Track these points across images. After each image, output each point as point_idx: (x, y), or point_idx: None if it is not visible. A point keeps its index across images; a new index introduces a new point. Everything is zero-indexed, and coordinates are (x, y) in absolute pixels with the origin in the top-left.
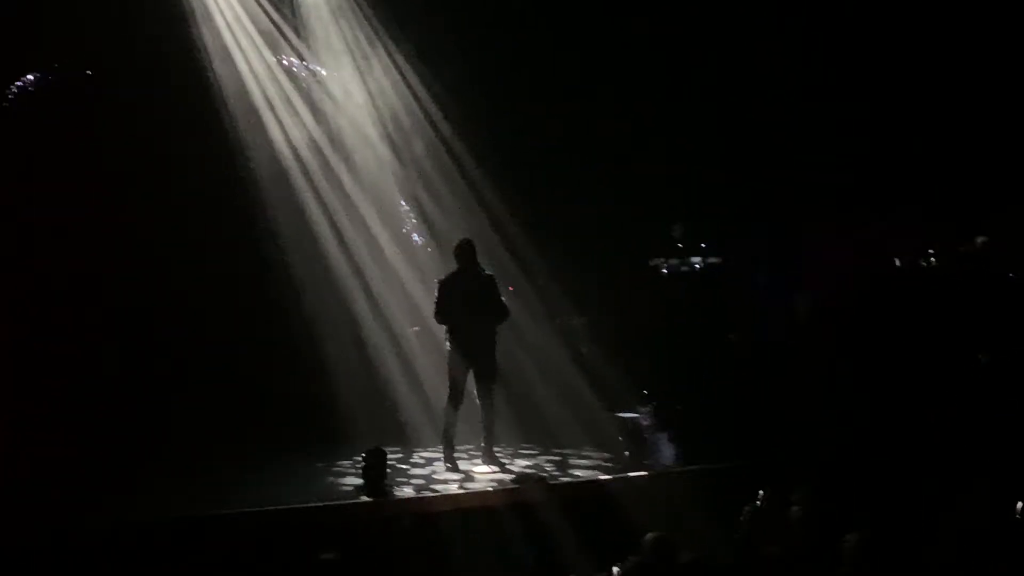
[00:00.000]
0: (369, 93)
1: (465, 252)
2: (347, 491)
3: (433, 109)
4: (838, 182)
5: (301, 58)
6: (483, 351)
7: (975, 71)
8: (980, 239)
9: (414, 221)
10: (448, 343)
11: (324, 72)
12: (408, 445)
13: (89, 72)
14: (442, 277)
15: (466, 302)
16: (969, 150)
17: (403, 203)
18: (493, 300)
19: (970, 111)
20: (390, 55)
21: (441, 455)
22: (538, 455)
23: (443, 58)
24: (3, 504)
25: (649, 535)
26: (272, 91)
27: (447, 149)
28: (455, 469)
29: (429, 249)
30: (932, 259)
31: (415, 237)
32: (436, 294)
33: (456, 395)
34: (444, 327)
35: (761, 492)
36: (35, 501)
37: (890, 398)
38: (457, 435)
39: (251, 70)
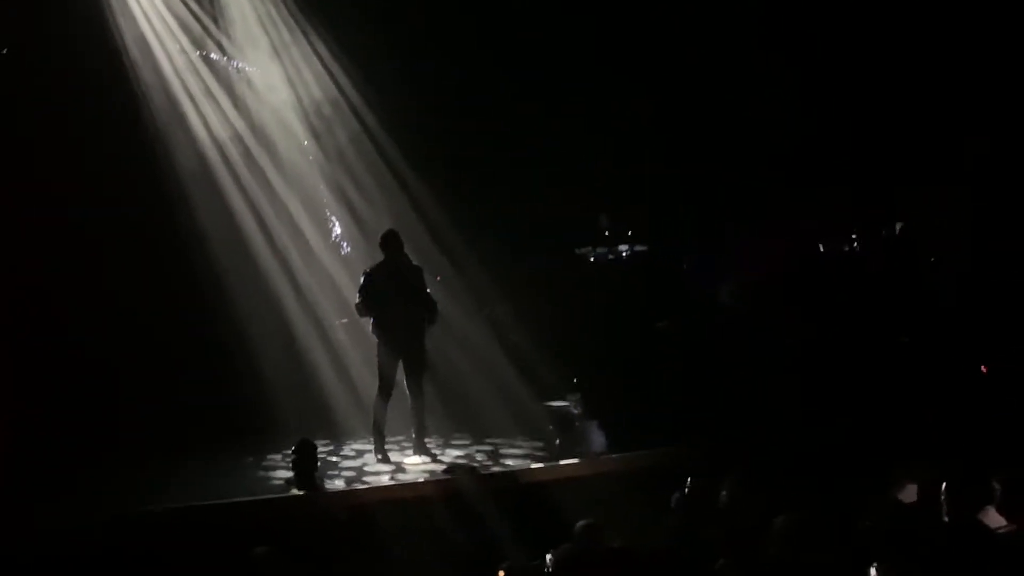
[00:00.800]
0: (292, 85)
1: (391, 242)
2: (278, 484)
3: (358, 100)
4: (764, 169)
5: (221, 49)
6: (412, 343)
7: (893, 52)
8: (899, 224)
9: (340, 215)
10: (376, 335)
11: (244, 64)
12: (338, 437)
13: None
14: (368, 267)
15: (393, 292)
16: (893, 134)
17: (328, 196)
18: (420, 291)
19: (892, 96)
20: (312, 44)
21: (372, 447)
22: (469, 445)
23: (365, 48)
24: None
25: (580, 522)
26: (193, 84)
27: (372, 141)
28: (386, 460)
29: (355, 242)
30: (855, 244)
31: (340, 231)
32: (361, 283)
33: (386, 387)
34: (370, 319)
35: (690, 479)
36: None
37: (813, 382)
38: (388, 426)
39: (170, 62)
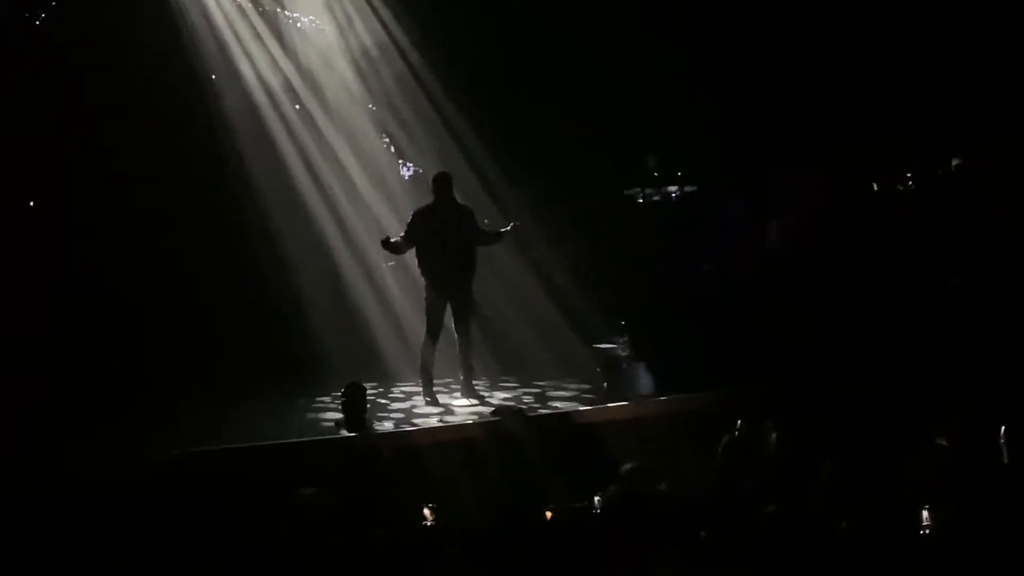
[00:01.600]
0: (338, 26)
1: (441, 185)
2: (327, 427)
3: (404, 41)
4: (815, 109)
5: None
6: (460, 286)
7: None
8: (955, 161)
9: (387, 156)
10: (424, 277)
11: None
12: (387, 379)
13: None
14: (418, 207)
15: (442, 235)
16: (948, 75)
17: (375, 138)
18: (474, 231)
19: (948, 37)
20: None
21: (420, 389)
22: (517, 388)
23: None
24: None
25: (627, 465)
26: (242, 30)
27: (418, 82)
28: (435, 403)
29: (401, 185)
30: (909, 183)
31: (388, 172)
32: (408, 222)
33: (434, 330)
34: (419, 266)
35: (739, 422)
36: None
37: (863, 324)
38: (435, 369)
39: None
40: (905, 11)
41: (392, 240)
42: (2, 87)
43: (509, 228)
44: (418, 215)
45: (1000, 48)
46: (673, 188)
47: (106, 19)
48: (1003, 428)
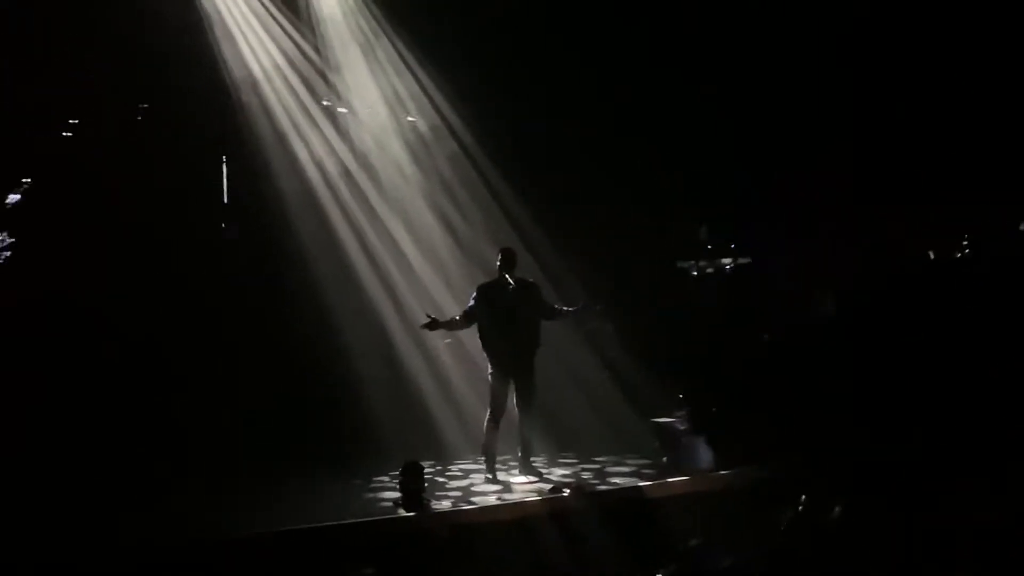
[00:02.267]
0: (388, 103)
1: (506, 260)
2: (385, 506)
3: (453, 117)
4: (863, 175)
5: (320, 73)
6: (523, 364)
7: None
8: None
9: (440, 231)
10: (487, 356)
11: (342, 83)
12: (445, 457)
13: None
14: (481, 283)
15: (506, 312)
16: (980, 139)
17: (428, 214)
18: (542, 307)
19: (994, 97)
20: (406, 63)
21: (477, 466)
22: (575, 464)
23: (461, 65)
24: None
25: (690, 541)
26: (300, 118)
27: (469, 157)
28: (495, 481)
29: (457, 260)
30: (967, 249)
31: (442, 249)
32: (473, 297)
33: (497, 411)
34: (482, 345)
35: (803, 497)
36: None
37: (924, 397)
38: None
39: (271, 85)
40: (965, 77)
41: (442, 321)
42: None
43: (579, 307)
44: (482, 291)
45: None
46: (727, 260)
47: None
48: None
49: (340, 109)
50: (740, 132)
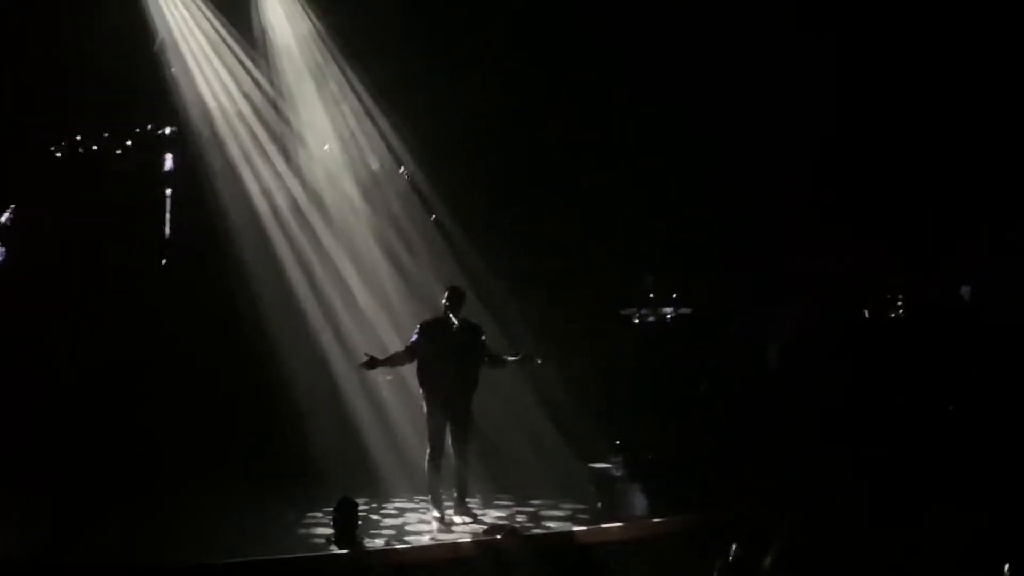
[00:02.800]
0: (342, 140)
1: (453, 299)
2: (318, 542)
3: (405, 156)
4: (809, 229)
5: (274, 106)
6: (461, 404)
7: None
8: (964, 288)
9: (387, 267)
10: (424, 393)
11: (295, 116)
12: (381, 494)
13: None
14: (426, 319)
15: (447, 351)
16: (935, 193)
17: (376, 248)
18: (483, 350)
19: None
20: (359, 96)
21: (413, 505)
22: (511, 506)
23: (414, 101)
24: None
25: None
26: (248, 144)
27: (419, 194)
28: (442, 521)
29: (401, 296)
30: (900, 310)
31: (388, 286)
32: (416, 332)
33: (436, 450)
34: (419, 382)
35: (734, 546)
36: None
37: (862, 448)
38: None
39: (223, 114)
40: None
41: (381, 358)
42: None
43: (519, 357)
44: (425, 328)
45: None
46: (668, 309)
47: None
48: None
49: (291, 141)
50: (692, 183)
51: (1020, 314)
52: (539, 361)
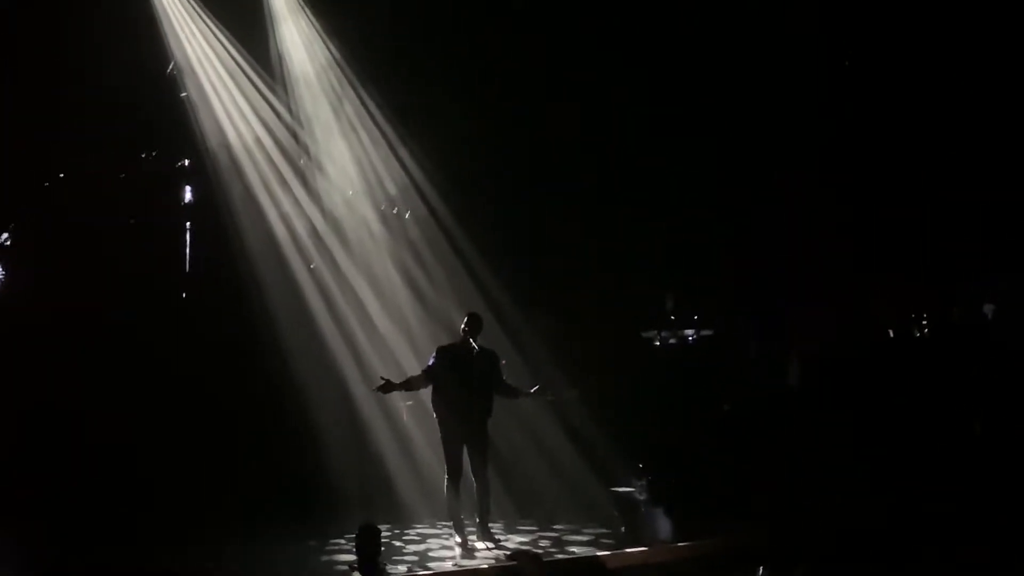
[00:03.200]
0: (362, 169)
1: (472, 325)
2: (340, 569)
3: (425, 184)
4: (827, 250)
5: (293, 134)
6: (476, 427)
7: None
8: (988, 306)
9: (406, 292)
10: (439, 415)
11: (313, 143)
12: (403, 520)
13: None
14: (443, 344)
15: (464, 375)
16: (953, 218)
17: (395, 274)
18: (498, 377)
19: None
20: (376, 123)
21: (435, 531)
22: (534, 531)
23: (433, 127)
24: None
25: None
26: (267, 171)
27: (438, 222)
28: (465, 547)
29: (421, 322)
30: (924, 328)
31: (408, 312)
32: (432, 358)
33: (454, 471)
34: (433, 406)
35: (760, 570)
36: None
37: (887, 468)
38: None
39: (242, 143)
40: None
41: (397, 382)
42: None
43: (533, 391)
44: (443, 353)
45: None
46: (690, 331)
47: None
48: None
49: (310, 168)
50: (710, 205)
51: None
52: (549, 397)
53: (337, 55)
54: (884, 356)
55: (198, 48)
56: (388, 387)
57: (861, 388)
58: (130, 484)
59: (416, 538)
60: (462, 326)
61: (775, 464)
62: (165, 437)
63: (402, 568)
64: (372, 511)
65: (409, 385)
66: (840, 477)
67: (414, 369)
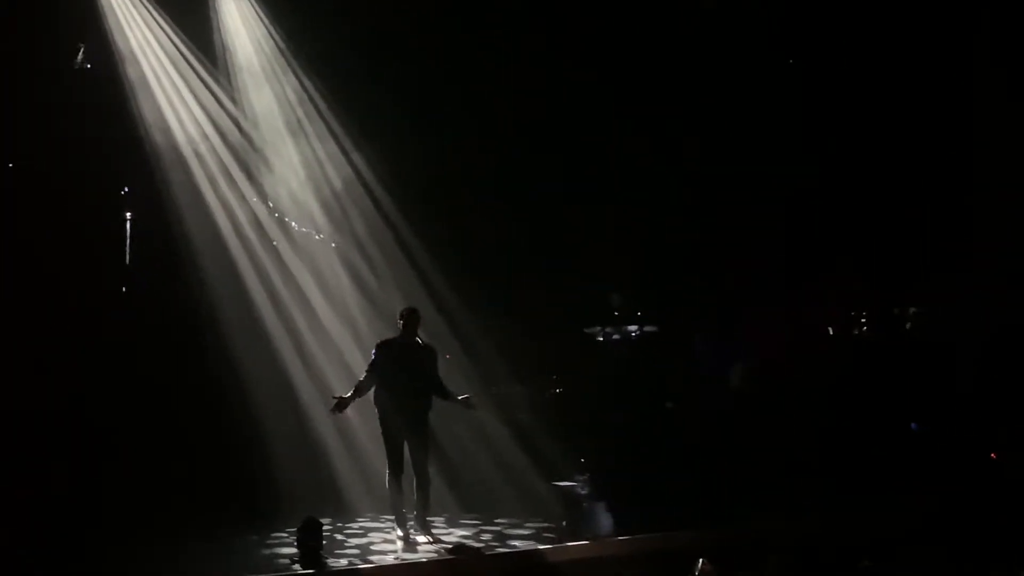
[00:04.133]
0: (307, 162)
1: (409, 320)
2: (282, 563)
3: (371, 177)
4: (774, 251)
5: (237, 125)
6: (416, 422)
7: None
8: (912, 309)
9: (351, 286)
10: (379, 409)
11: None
12: (345, 514)
13: None
14: (381, 340)
15: (403, 370)
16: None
17: (340, 268)
18: (430, 373)
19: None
20: (327, 123)
21: (377, 524)
22: (476, 525)
23: (380, 116)
24: None
25: None
26: (211, 163)
27: (383, 218)
28: (407, 540)
29: (367, 319)
30: (864, 327)
31: (351, 303)
32: (373, 354)
33: (396, 463)
34: (375, 400)
35: (701, 561)
36: None
37: (823, 465)
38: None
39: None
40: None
41: (348, 396)
42: None
43: (464, 399)
44: (384, 347)
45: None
46: (633, 328)
47: None
48: None
49: (254, 159)
50: (660, 200)
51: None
52: (474, 409)
53: (281, 44)
54: (826, 357)
55: (140, 36)
56: (342, 404)
57: (803, 390)
58: (69, 486)
59: (358, 532)
60: (400, 320)
61: (718, 463)
62: (106, 435)
63: (343, 562)
64: (314, 505)
65: (359, 392)
66: (782, 478)
67: (357, 361)
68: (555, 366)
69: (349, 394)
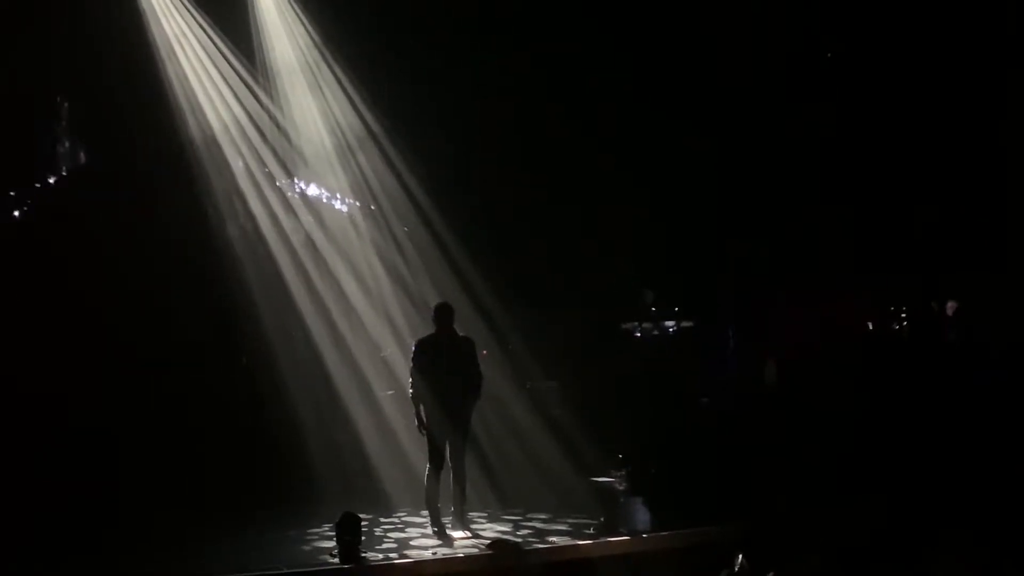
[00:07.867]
0: (344, 156)
1: (442, 315)
2: (321, 558)
3: (408, 176)
4: (809, 246)
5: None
6: (457, 415)
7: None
8: (951, 303)
9: (388, 283)
10: (422, 404)
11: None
12: (384, 508)
13: None
14: (420, 337)
15: (442, 364)
16: (934, 214)
17: (379, 268)
18: (470, 364)
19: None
20: (361, 117)
21: (416, 519)
22: (513, 520)
23: (418, 125)
24: None
25: None
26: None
27: (422, 215)
28: (442, 535)
29: (406, 315)
30: (904, 322)
31: (389, 299)
32: (413, 351)
33: (436, 458)
34: (413, 396)
35: (740, 557)
36: None
37: (860, 459)
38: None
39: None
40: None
41: (417, 413)
42: None
43: (471, 393)
44: (423, 344)
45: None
46: (670, 323)
47: None
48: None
49: (290, 157)
50: (694, 197)
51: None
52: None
53: (319, 43)
54: (863, 353)
55: (178, 32)
56: (421, 420)
57: (838, 386)
58: (105, 479)
59: (400, 525)
60: (432, 317)
61: (754, 459)
62: (139, 429)
63: (382, 556)
64: (353, 499)
65: (419, 397)
66: (815, 475)
67: (395, 351)
68: (589, 362)
69: (415, 410)
